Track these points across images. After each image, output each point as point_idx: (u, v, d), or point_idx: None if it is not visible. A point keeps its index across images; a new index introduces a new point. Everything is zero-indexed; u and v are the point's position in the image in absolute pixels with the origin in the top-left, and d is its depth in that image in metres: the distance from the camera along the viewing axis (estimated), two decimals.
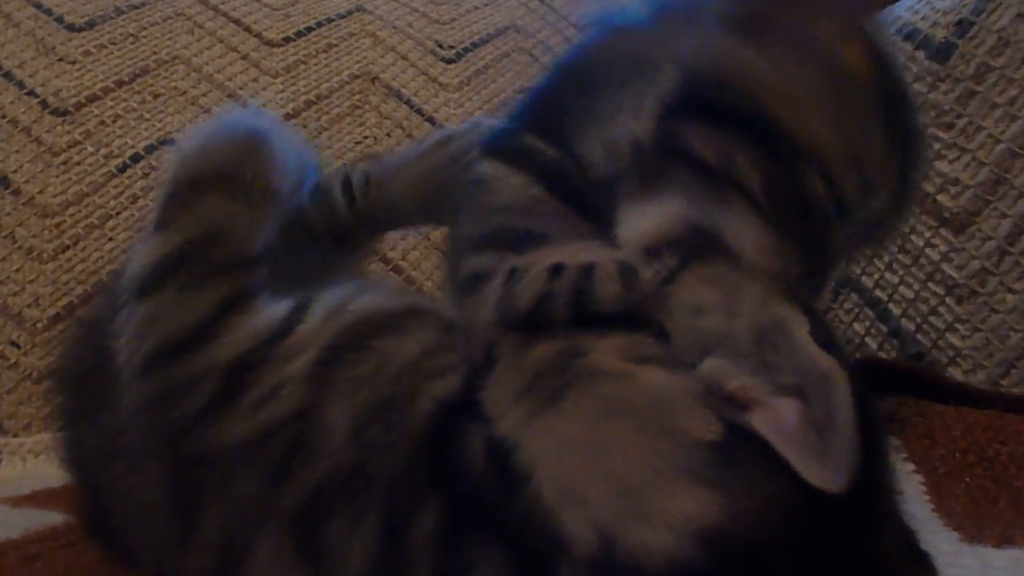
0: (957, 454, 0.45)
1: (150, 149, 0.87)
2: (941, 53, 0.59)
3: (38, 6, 0.91)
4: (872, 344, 0.63)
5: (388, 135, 0.93)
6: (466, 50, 1.00)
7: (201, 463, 0.31)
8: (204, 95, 0.90)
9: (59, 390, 0.43)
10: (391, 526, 0.28)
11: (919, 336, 0.60)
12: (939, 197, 0.59)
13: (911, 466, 0.44)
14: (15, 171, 0.83)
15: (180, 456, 0.31)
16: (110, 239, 0.83)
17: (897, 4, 0.66)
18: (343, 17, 0.99)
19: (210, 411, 0.31)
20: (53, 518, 0.46)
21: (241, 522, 0.30)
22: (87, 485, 0.40)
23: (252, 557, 0.30)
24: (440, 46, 1.00)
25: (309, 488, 0.29)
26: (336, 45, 0.97)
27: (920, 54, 0.60)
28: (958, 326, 0.58)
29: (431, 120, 0.94)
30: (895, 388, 0.52)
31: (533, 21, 1.16)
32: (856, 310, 0.65)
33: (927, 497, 0.41)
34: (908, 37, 0.62)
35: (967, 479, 0.44)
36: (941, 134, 0.59)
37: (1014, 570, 0.32)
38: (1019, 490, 0.41)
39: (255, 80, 0.93)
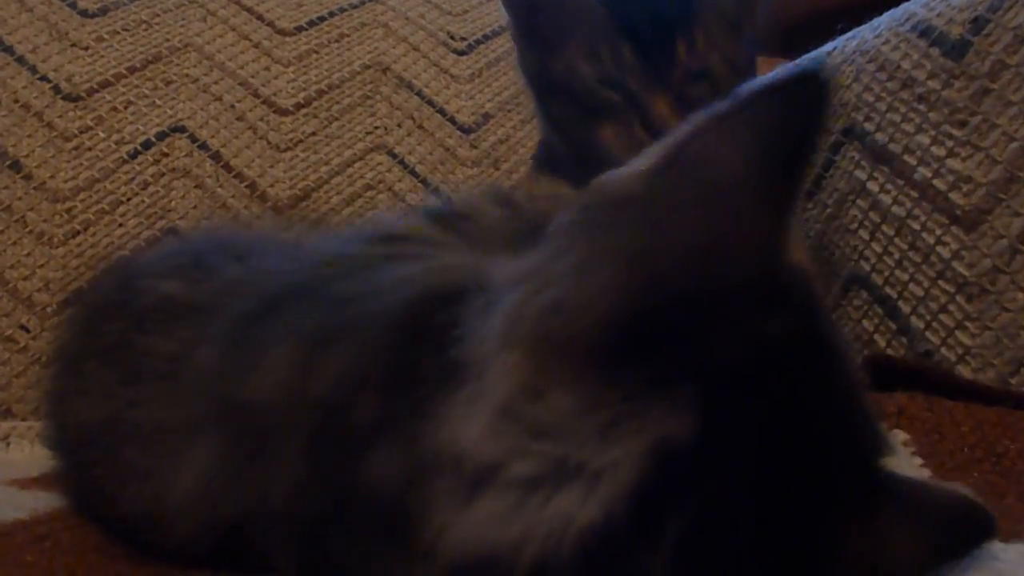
0: (966, 449, 0.45)
1: (161, 136, 0.87)
2: (956, 50, 0.59)
3: None
4: (881, 342, 0.63)
5: (399, 126, 0.93)
6: (478, 42, 1.00)
7: None
8: (216, 83, 0.91)
9: (57, 371, 0.44)
10: None
11: (928, 334, 0.60)
12: (951, 195, 0.59)
13: (919, 460, 0.44)
14: (27, 156, 0.83)
15: None
16: (120, 225, 0.83)
17: (912, 0, 0.66)
18: (355, 7, 0.99)
19: None
20: (61, 499, 0.47)
21: None
22: (80, 465, 0.41)
23: None
24: (452, 37, 1.00)
25: None
26: (348, 35, 0.97)
27: (935, 51, 0.60)
28: (968, 324, 0.57)
29: (442, 111, 0.94)
30: (904, 385, 0.52)
31: None
32: (865, 307, 0.65)
33: None
34: (923, 34, 0.62)
35: (975, 474, 0.44)
36: (954, 131, 0.59)
37: (1022, 563, 0.32)
38: None
39: (267, 68, 0.93)
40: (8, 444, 0.74)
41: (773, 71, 0.83)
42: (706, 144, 0.24)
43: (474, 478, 0.24)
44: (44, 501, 0.46)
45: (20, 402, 0.77)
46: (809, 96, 0.24)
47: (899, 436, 0.45)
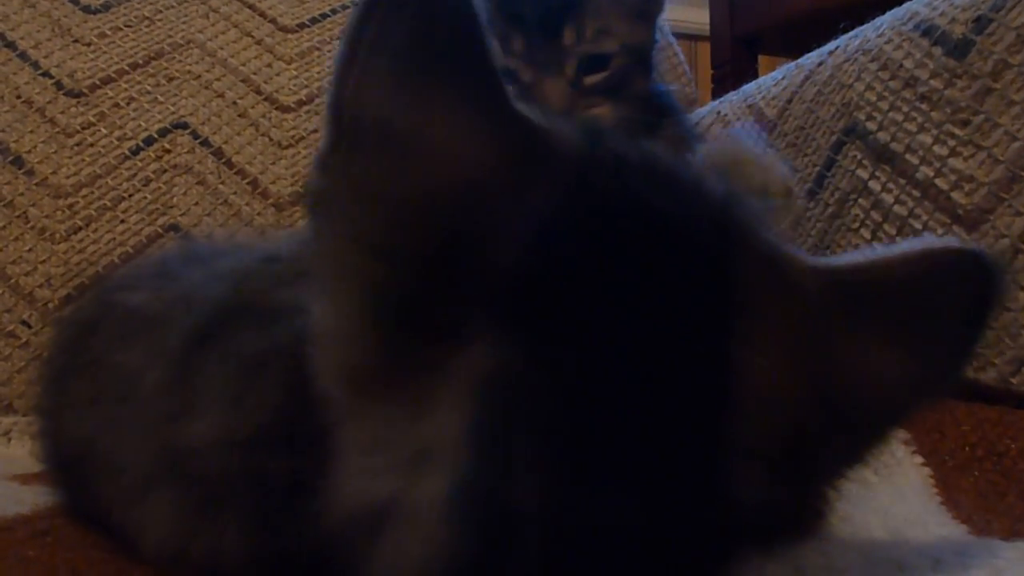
0: (966, 448, 0.45)
1: (163, 132, 0.87)
2: (959, 49, 0.59)
3: None
4: None
5: None
6: None
7: None
8: (218, 79, 0.91)
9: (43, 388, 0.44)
10: None
11: None
12: (953, 194, 0.59)
13: (920, 459, 0.44)
14: (29, 151, 0.83)
15: None
16: (122, 221, 0.83)
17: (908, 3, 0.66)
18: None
19: None
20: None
21: None
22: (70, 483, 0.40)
23: None
24: None
25: None
26: None
27: (937, 50, 0.60)
28: None
29: None
30: None
31: None
32: None
33: (935, 490, 0.41)
34: (925, 33, 0.62)
35: (976, 473, 0.44)
36: (957, 131, 0.59)
37: (1022, 562, 0.32)
38: None
39: (269, 65, 0.93)
40: (9, 440, 0.74)
41: (776, 71, 0.82)
42: (360, 93, 0.23)
43: (378, 521, 0.23)
44: (45, 496, 0.46)
45: (21, 398, 0.77)
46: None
47: (900, 434, 0.45)
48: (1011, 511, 0.39)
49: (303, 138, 0.90)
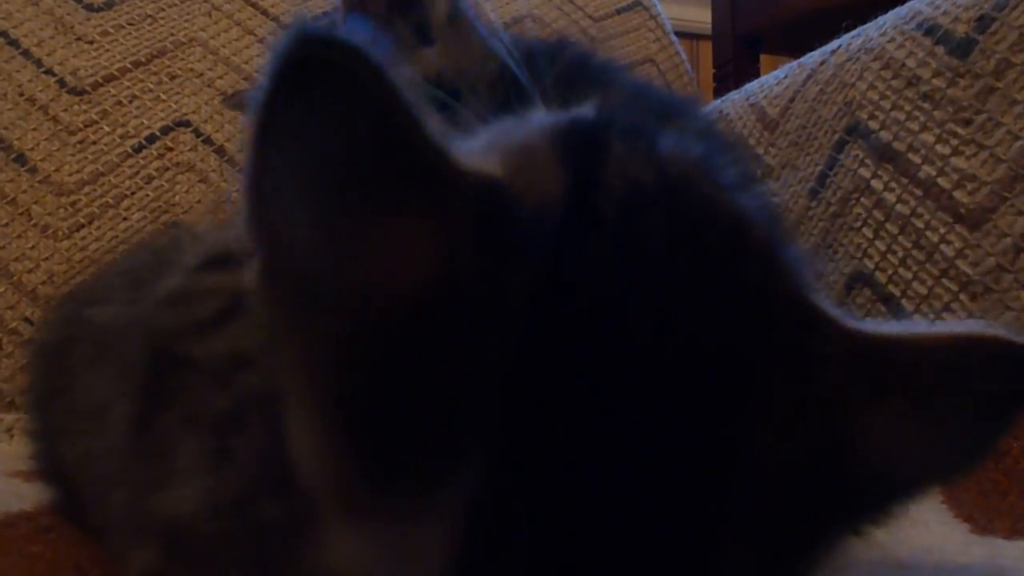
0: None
1: (166, 130, 0.87)
2: (961, 48, 0.59)
3: None
4: None
5: None
6: None
7: None
8: (220, 77, 0.91)
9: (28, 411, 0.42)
10: None
11: None
12: (955, 193, 0.59)
13: None
14: (32, 149, 0.83)
15: None
16: (125, 219, 0.83)
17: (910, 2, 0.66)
18: None
19: None
20: None
21: None
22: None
23: None
24: None
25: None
26: None
27: (940, 49, 0.60)
28: None
29: None
30: None
31: (550, 11, 1.16)
32: (868, 305, 0.65)
33: (938, 490, 0.41)
34: (928, 32, 0.62)
35: (978, 472, 0.44)
36: (959, 130, 0.59)
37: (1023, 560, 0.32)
38: None
39: None
40: (12, 436, 0.74)
41: (778, 69, 0.82)
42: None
43: None
44: (48, 493, 0.46)
45: (24, 395, 0.77)
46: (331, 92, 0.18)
47: None
48: (1013, 510, 0.39)
49: None
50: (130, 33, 0.91)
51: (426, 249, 0.19)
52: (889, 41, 0.65)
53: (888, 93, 0.64)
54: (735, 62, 1.49)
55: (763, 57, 1.53)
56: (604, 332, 0.21)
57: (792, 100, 0.77)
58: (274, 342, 0.21)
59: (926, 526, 0.37)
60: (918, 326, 0.24)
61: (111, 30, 0.90)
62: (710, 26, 1.56)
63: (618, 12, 1.22)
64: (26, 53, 0.87)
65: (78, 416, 0.34)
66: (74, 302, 0.43)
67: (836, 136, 0.69)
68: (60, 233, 0.81)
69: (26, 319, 0.78)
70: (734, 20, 1.50)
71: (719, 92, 1.44)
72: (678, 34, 1.33)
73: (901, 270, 0.63)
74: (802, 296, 0.23)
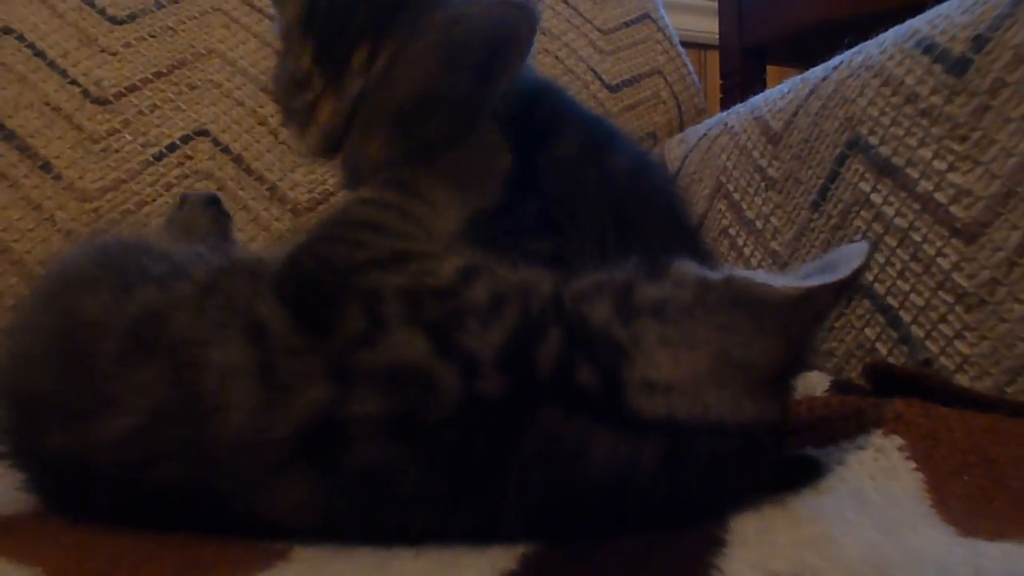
0: (958, 454, 0.47)
1: (186, 139, 0.90)
2: (958, 67, 0.61)
3: None
4: (882, 349, 0.65)
5: None
6: None
7: None
8: (239, 88, 0.93)
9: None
10: None
11: (928, 343, 0.62)
12: (952, 208, 0.60)
13: (913, 464, 0.45)
14: (57, 157, 0.86)
15: None
16: (145, 225, 0.86)
17: (918, 17, 0.67)
18: None
19: None
20: None
21: None
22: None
23: None
24: None
25: None
26: None
27: (937, 67, 0.62)
28: (966, 334, 0.59)
29: None
30: (903, 392, 0.54)
31: (559, 24, 1.18)
32: (868, 316, 0.67)
33: (927, 495, 0.43)
34: (926, 50, 0.63)
35: (966, 478, 0.45)
36: (955, 146, 0.60)
37: (1004, 560, 0.33)
38: (1017, 491, 0.43)
39: None
40: None
41: (782, 83, 0.84)
42: None
43: None
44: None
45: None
46: None
47: (895, 441, 0.47)
48: (999, 514, 0.40)
49: None
50: (151, 45, 0.93)
51: None
52: (889, 58, 0.67)
53: (887, 109, 0.66)
54: (742, 73, 1.51)
55: (769, 68, 1.55)
56: None
57: (795, 114, 0.79)
58: None
59: (914, 529, 0.39)
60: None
61: (133, 42, 0.93)
62: (717, 36, 1.58)
63: (626, 25, 1.24)
64: (52, 64, 0.89)
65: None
66: (52, 288, 0.46)
67: (837, 150, 0.71)
68: (83, 238, 0.84)
69: None
70: (741, 32, 1.52)
71: (725, 102, 1.46)
72: (686, 44, 1.35)
73: (899, 282, 0.64)
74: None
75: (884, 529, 0.38)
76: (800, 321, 0.37)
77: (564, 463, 0.35)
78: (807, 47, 1.48)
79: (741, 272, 0.37)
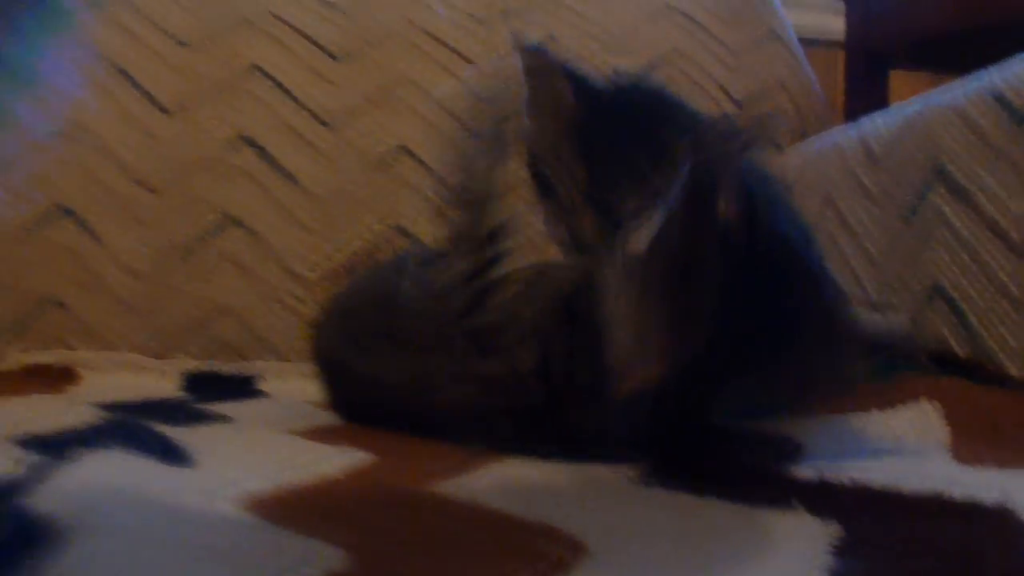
0: (990, 425, 0.63)
1: None
2: (1016, 116, 0.75)
3: None
4: (952, 341, 0.81)
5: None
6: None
7: None
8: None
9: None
10: None
11: (990, 340, 0.77)
12: (1012, 233, 0.75)
13: (945, 422, 0.62)
14: (297, 171, 1.12)
15: None
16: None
17: (994, 68, 0.81)
18: None
19: None
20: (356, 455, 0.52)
21: None
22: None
23: None
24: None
25: None
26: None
27: (1004, 115, 0.76)
28: (1018, 332, 0.74)
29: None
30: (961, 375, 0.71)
31: (692, 45, 1.33)
32: (943, 315, 0.83)
33: (949, 441, 0.59)
34: (997, 99, 0.78)
35: (996, 439, 0.62)
36: (1014, 180, 0.75)
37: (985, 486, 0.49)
38: None
39: None
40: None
41: (885, 110, 1.01)
42: None
43: None
44: (346, 456, 0.52)
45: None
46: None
47: (936, 404, 0.64)
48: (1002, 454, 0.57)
49: None
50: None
51: None
52: (969, 103, 0.82)
53: (965, 145, 0.81)
54: (867, 78, 1.59)
55: (893, 73, 1.62)
56: None
57: (892, 141, 0.94)
58: None
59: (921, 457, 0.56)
60: None
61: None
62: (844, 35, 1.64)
63: (755, 43, 1.37)
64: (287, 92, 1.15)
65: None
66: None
67: (924, 175, 0.86)
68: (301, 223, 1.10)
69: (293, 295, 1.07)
70: (866, 35, 1.59)
71: (848, 109, 1.55)
72: (815, 43, 1.40)
73: (969, 289, 0.80)
74: None
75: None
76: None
77: None
78: (932, 52, 1.55)
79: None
